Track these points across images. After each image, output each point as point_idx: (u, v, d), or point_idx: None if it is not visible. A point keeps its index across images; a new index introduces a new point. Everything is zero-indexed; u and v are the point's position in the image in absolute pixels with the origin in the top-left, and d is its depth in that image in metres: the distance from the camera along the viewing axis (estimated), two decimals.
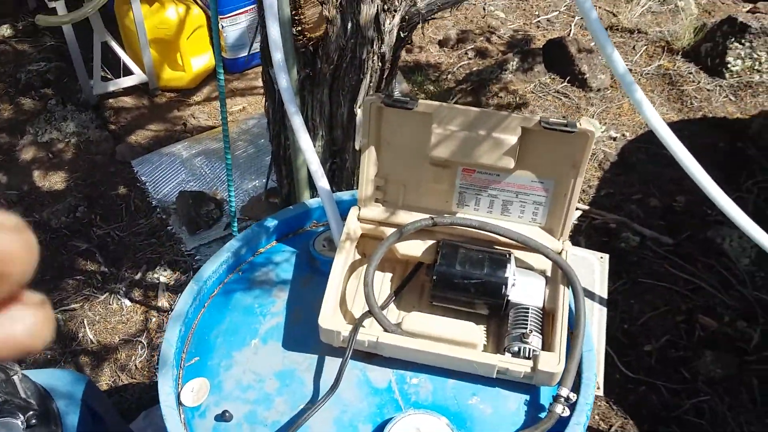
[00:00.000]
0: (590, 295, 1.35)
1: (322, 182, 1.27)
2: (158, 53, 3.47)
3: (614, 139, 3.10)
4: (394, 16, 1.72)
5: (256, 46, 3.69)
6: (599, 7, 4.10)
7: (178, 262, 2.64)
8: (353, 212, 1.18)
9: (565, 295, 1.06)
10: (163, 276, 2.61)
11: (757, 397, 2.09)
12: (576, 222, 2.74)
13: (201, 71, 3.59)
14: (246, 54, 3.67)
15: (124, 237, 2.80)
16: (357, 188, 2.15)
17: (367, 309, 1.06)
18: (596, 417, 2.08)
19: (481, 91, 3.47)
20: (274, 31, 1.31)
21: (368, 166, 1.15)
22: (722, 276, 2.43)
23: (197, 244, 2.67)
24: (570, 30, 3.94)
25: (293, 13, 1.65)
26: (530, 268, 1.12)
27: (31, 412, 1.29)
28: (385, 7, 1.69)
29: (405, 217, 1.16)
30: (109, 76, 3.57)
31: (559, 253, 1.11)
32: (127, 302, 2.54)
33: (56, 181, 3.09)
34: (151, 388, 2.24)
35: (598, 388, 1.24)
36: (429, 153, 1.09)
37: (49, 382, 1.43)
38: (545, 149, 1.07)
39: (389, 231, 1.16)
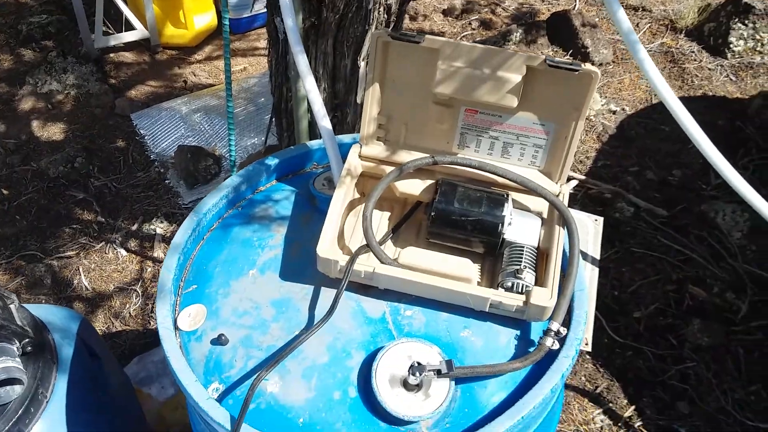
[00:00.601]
0: (583, 255, 1.37)
1: (324, 122, 1.27)
2: (161, 9, 3.45)
3: (614, 112, 3.11)
4: None
5: (258, 7, 3.68)
6: None
7: (175, 214, 2.65)
8: (354, 149, 1.18)
9: (561, 236, 1.07)
10: (160, 228, 2.62)
11: (742, 366, 2.13)
12: (572, 191, 2.76)
13: (203, 30, 3.57)
14: (248, 14, 3.65)
15: (122, 189, 2.81)
16: (359, 132, 2.16)
17: (364, 243, 1.07)
18: (582, 378, 2.12)
19: None
20: None
21: (372, 103, 1.16)
22: (714, 249, 2.46)
23: (195, 198, 2.68)
24: (575, 4, 3.93)
25: None
26: (527, 209, 1.13)
27: (27, 340, 1.31)
28: None
29: (406, 156, 1.17)
30: (110, 31, 3.55)
31: (557, 196, 1.12)
32: (123, 252, 2.55)
33: (55, 131, 3.08)
34: (144, 335, 2.26)
35: (587, 344, 1.27)
36: (433, 89, 1.09)
37: (45, 316, 1.44)
38: (548, 90, 1.07)
39: (389, 169, 1.17)
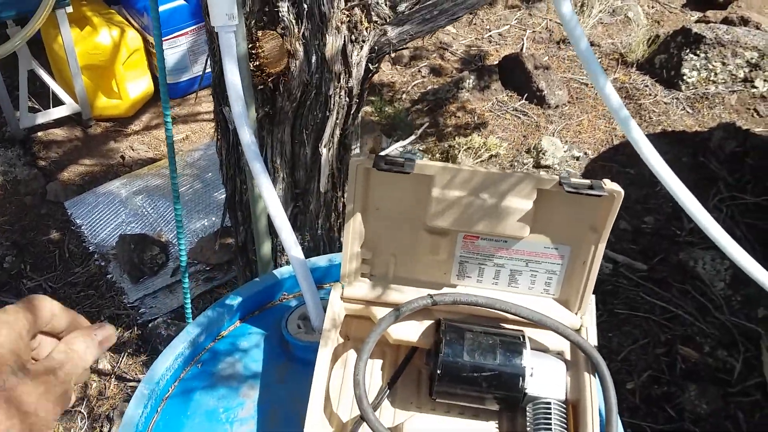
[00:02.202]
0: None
1: (295, 251, 1.09)
2: (91, 80, 3.22)
3: (577, 158, 3.01)
4: (362, 48, 1.55)
5: (197, 70, 3.48)
6: (550, 20, 4.04)
7: (120, 316, 2.40)
8: (336, 291, 1.00)
9: (592, 384, 0.91)
10: None
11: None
12: None
13: (139, 98, 3.34)
14: (187, 77, 3.45)
15: (58, 288, 2.54)
16: (327, 246, 1.97)
17: (357, 413, 0.88)
18: None
19: (439, 111, 3.34)
20: (232, 76, 1.12)
21: (353, 236, 0.98)
22: (698, 301, 2.35)
23: (141, 295, 2.44)
24: (522, 44, 3.86)
25: (250, 47, 1.47)
26: (545, 349, 0.97)
27: None
28: (353, 37, 1.52)
29: (396, 294, 0.99)
30: (37, 107, 3.29)
31: (578, 331, 0.96)
32: None
33: None
34: None
35: None
36: (427, 222, 0.92)
37: None
38: (562, 212, 0.92)
39: (377, 310, 0.99)
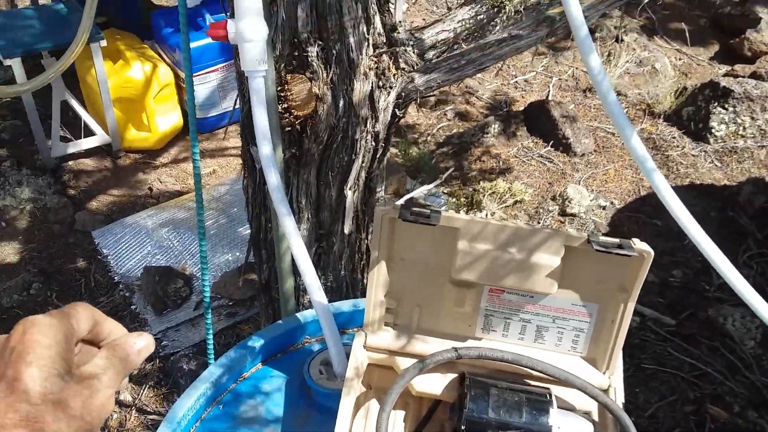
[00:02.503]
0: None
1: (319, 296, 1.08)
2: (122, 113, 3.28)
3: (603, 208, 2.99)
4: (389, 93, 1.57)
5: (226, 105, 3.53)
6: (576, 68, 4.06)
7: None
8: (359, 339, 0.99)
9: None
10: None
11: None
12: None
13: (168, 132, 3.40)
14: (216, 113, 3.50)
15: None
16: (350, 287, 1.97)
17: None
18: None
19: (463, 155, 3.34)
20: (261, 119, 1.13)
21: (377, 284, 0.97)
22: (728, 360, 2.30)
23: (164, 327, 2.44)
24: (549, 91, 3.87)
25: (279, 89, 1.49)
26: (572, 408, 0.94)
27: None
28: (381, 83, 1.54)
29: (420, 345, 0.98)
30: (68, 137, 3.36)
31: (606, 391, 0.94)
32: None
33: (9, 253, 2.83)
34: None
35: None
36: (453, 275, 0.91)
37: None
38: (591, 269, 0.91)
39: (401, 360, 0.98)
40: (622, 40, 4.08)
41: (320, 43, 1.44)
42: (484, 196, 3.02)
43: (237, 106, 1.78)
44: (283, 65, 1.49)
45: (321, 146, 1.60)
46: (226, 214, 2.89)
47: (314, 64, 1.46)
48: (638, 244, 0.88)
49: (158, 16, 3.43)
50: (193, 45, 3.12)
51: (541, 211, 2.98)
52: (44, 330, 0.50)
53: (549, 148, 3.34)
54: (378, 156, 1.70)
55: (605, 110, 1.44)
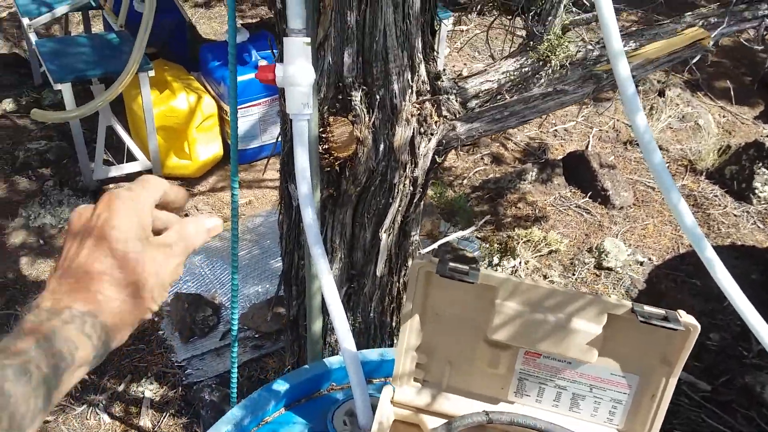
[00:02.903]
0: None
1: (348, 343, 1.06)
2: (165, 140, 3.34)
3: (641, 263, 2.93)
4: (430, 140, 1.56)
5: (266, 138, 3.57)
6: (618, 120, 4.03)
7: (166, 374, 2.40)
8: (386, 393, 0.97)
9: None
10: (149, 390, 2.36)
11: None
12: None
13: (208, 161, 3.44)
14: (256, 145, 3.54)
15: None
16: (379, 329, 1.95)
17: None
18: None
19: (499, 200, 3.32)
20: (302, 161, 1.14)
21: (409, 338, 0.95)
22: (764, 431, 2.20)
23: (189, 355, 2.44)
24: (588, 142, 3.84)
25: (321, 130, 1.49)
26: None
27: None
28: (422, 130, 1.54)
29: (449, 405, 0.95)
30: (111, 161, 3.42)
31: None
32: (106, 418, 2.28)
33: (44, 270, 2.88)
34: None
35: None
36: (488, 335, 0.89)
37: None
38: (632, 340, 0.88)
39: (428, 419, 0.96)
40: (666, 95, 4.04)
41: (364, 88, 1.45)
42: (518, 243, 2.98)
43: (278, 141, 1.80)
44: (326, 107, 1.49)
45: (359, 188, 1.60)
46: (259, 245, 2.90)
47: (357, 107, 1.47)
48: (684, 316, 0.85)
49: (206, 50, 3.51)
50: (238, 79, 3.17)
51: (576, 262, 2.93)
52: (126, 200, 0.57)
53: (587, 198, 3.29)
54: (415, 201, 1.69)
55: (650, 171, 1.41)
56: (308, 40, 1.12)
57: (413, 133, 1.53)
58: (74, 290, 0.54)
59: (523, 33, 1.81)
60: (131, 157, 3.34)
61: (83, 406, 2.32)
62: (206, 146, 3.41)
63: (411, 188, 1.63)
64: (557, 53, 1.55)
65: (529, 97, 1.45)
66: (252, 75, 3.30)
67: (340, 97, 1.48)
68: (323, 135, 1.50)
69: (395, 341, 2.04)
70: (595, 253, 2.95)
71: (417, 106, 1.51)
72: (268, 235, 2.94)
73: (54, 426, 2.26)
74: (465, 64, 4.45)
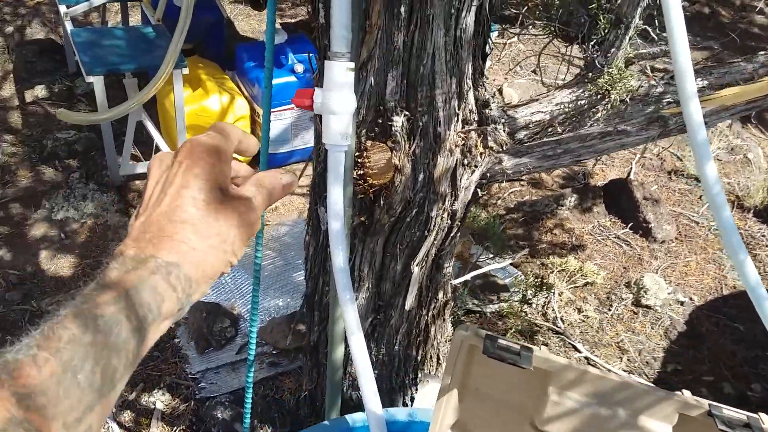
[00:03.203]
0: None
1: (374, 404, 0.96)
2: None
3: (682, 303, 2.77)
4: (473, 172, 1.45)
5: (297, 143, 3.48)
6: (663, 148, 3.86)
7: (179, 386, 2.32)
8: None
9: None
10: (161, 401, 2.27)
11: None
12: None
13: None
14: (287, 149, 3.45)
15: None
16: (403, 362, 1.83)
17: None
18: None
19: (534, 225, 3.19)
20: (336, 196, 1.03)
21: (445, 413, 0.84)
22: None
23: (204, 367, 2.35)
24: (631, 169, 3.68)
25: (357, 155, 1.39)
26: None
27: None
28: (465, 161, 1.43)
29: None
30: (139, 157, 3.36)
31: None
32: (115, 427, 2.20)
33: (63, 266, 2.82)
34: None
35: None
36: (538, 424, 0.77)
37: None
38: None
39: None
40: (714, 125, 3.87)
41: (407, 113, 1.34)
42: (552, 272, 2.85)
43: (311, 148, 1.70)
44: (364, 131, 1.39)
45: (393, 218, 1.49)
46: (282, 256, 2.80)
47: (397, 134, 1.36)
48: (767, 422, 0.73)
49: (242, 49, 3.43)
50: (273, 82, 3.08)
51: (613, 297, 2.79)
52: (207, 148, 0.56)
53: (627, 230, 3.15)
54: (452, 234, 1.57)
55: (717, 226, 1.28)
56: (352, 65, 1.01)
57: (456, 164, 1.42)
58: (158, 239, 0.52)
59: (575, 59, 1.68)
60: None
61: None
62: None
63: (449, 221, 1.52)
64: (617, 87, 1.42)
65: (586, 135, 1.33)
66: (287, 78, 3.21)
67: (380, 121, 1.37)
68: (359, 160, 1.39)
69: (420, 375, 1.93)
70: (633, 289, 2.81)
71: (462, 135, 1.40)
72: (293, 246, 2.85)
73: None
74: (506, 78, 4.32)
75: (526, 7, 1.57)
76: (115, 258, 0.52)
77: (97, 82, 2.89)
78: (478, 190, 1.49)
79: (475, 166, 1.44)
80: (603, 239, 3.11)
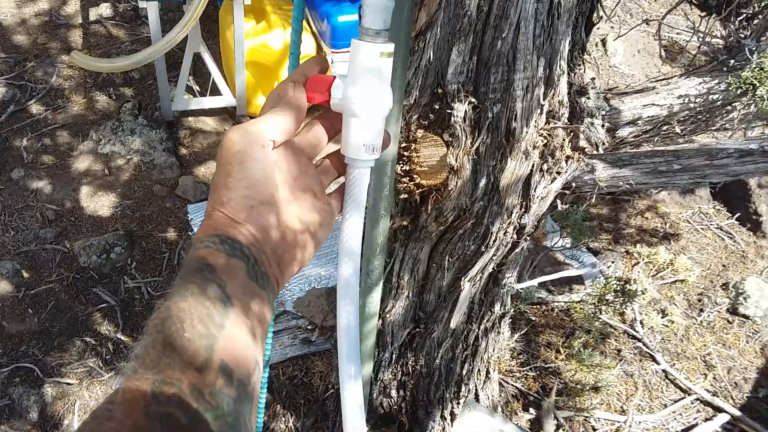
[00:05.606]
0: None
1: None
2: (254, 77, 2.99)
3: None
4: (554, 180, 1.11)
5: None
6: None
7: None
8: None
9: None
10: None
11: None
12: (719, 430, 2.05)
13: None
14: None
15: (155, 298, 2.33)
16: (444, 377, 1.55)
17: None
18: None
19: (622, 204, 2.79)
20: (353, 225, 0.72)
21: None
22: None
23: None
24: None
25: (403, 146, 1.08)
26: None
27: None
28: (545, 166, 1.09)
29: None
30: (194, 92, 3.12)
31: None
32: None
33: (103, 204, 2.65)
34: None
35: None
36: None
37: None
38: None
39: None
40: None
41: (473, 100, 1.01)
42: (638, 263, 2.48)
43: None
44: (415, 117, 1.07)
45: (442, 227, 1.18)
46: None
47: (457, 126, 1.03)
48: None
49: None
50: (342, 19, 2.75)
51: (705, 300, 2.41)
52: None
53: (733, 220, 2.71)
54: (517, 250, 1.25)
55: None
56: (391, 48, 0.68)
57: (531, 169, 1.08)
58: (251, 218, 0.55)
59: (712, 35, 1.28)
60: (216, 91, 3.02)
61: (110, 372, 2.10)
62: None
63: (514, 236, 1.19)
64: (767, 84, 1.04)
65: (717, 152, 0.96)
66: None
67: (437, 107, 1.05)
68: (406, 153, 1.08)
69: (462, 390, 1.65)
70: (730, 293, 2.41)
71: (544, 133, 1.06)
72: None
73: (76, 389, 2.05)
74: (612, 26, 3.79)
75: None
76: (220, 241, 0.54)
77: (151, 8, 2.64)
78: (558, 201, 1.16)
79: (557, 173, 1.10)
80: (702, 229, 2.69)
